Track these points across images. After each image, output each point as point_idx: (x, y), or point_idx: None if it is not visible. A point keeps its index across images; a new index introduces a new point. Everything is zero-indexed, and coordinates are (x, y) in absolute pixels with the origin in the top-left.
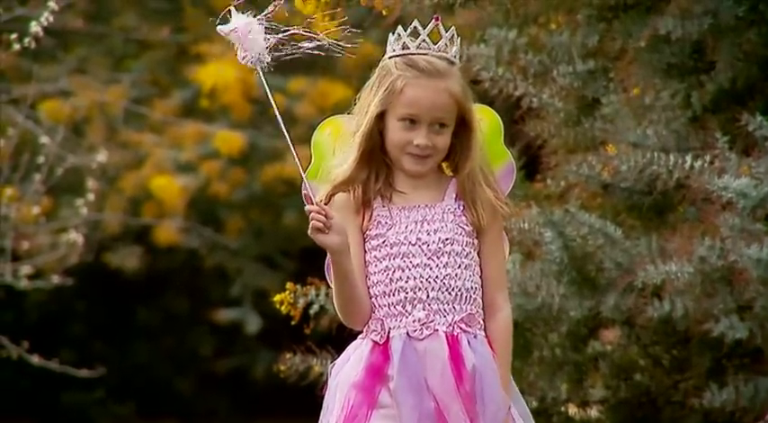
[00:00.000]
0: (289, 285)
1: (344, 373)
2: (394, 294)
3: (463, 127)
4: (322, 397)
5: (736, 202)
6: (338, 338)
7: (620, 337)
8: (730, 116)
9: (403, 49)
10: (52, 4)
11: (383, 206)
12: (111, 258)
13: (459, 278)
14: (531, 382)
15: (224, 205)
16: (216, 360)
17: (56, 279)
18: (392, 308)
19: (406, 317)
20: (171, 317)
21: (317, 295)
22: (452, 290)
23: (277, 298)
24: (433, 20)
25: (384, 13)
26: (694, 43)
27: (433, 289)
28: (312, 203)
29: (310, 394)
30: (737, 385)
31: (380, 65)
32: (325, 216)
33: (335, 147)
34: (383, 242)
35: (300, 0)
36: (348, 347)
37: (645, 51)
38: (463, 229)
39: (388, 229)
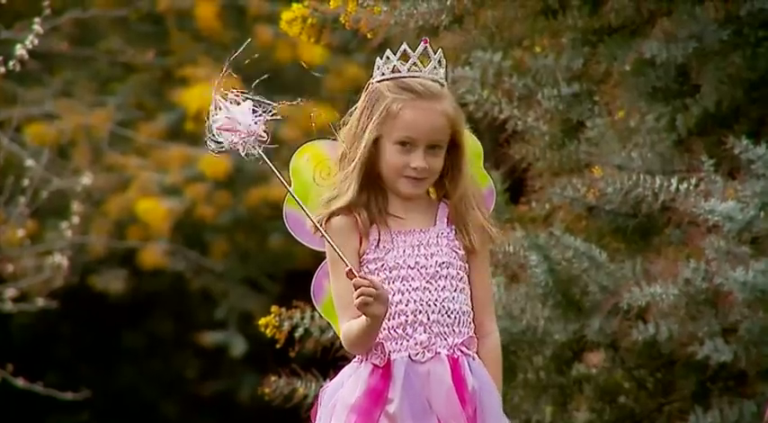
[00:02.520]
0: (274, 308)
1: (341, 396)
2: (394, 317)
3: (454, 149)
4: (307, 419)
5: (722, 224)
6: (323, 361)
7: (604, 360)
8: (715, 139)
9: (393, 72)
10: (37, 28)
11: (381, 230)
12: (97, 281)
13: (456, 301)
14: (515, 405)
15: (209, 228)
16: (201, 383)
17: (41, 302)
18: (392, 331)
19: (407, 340)
20: (156, 340)
21: (302, 318)
22: (451, 313)
23: (262, 321)
24: (422, 42)
25: (369, 36)
26: (679, 67)
27: (432, 312)
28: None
29: (295, 417)
30: (722, 408)
31: (369, 89)
32: (374, 287)
33: (315, 172)
34: (382, 266)
35: (285, 23)
36: (342, 371)
37: (630, 75)
38: (456, 252)
39: (386, 253)
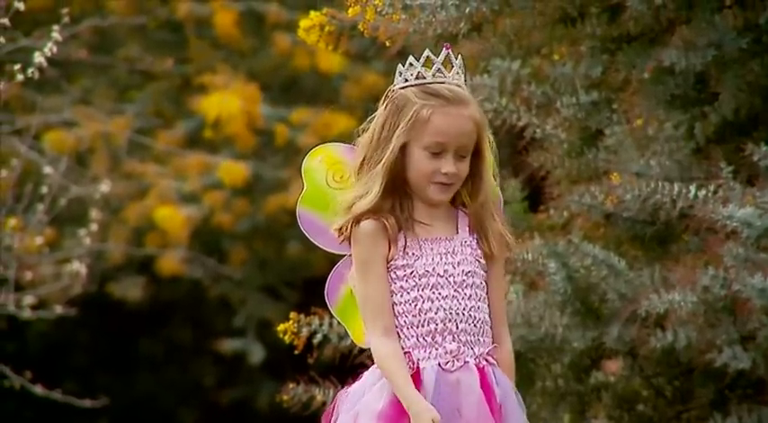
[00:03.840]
0: (292, 315)
1: (365, 404)
2: (423, 325)
3: (477, 155)
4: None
5: (741, 231)
6: (341, 368)
7: (622, 367)
8: (734, 147)
9: (417, 78)
10: (56, 35)
11: (407, 237)
12: (115, 289)
13: (481, 310)
14: (533, 413)
15: (228, 236)
16: (219, 390)
17: (59, 309)
18: (421, 339)
19: (437, 348)
20: (174, 347)
21: (321, 325)
22: (477, 322)
23: (281, 327)
24: (445, 48)
25: (387, 43)
26: (698, 75)
27: (461, 321)
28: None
29: None
30: (741, 416)
31: (393, 95)
32: None
33: (329, 175)
34: (411, 273)
35: (303, 31)
36: (364, 378)
37: (648, 83)
38: (479, 261)
39: (415, 260)
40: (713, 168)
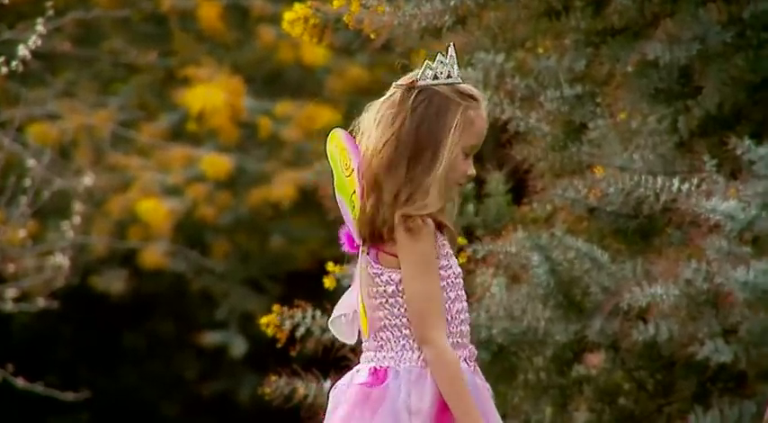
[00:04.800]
0: (275, 308)
1: (409, 403)
2: (458, 326)
3: None
4: (307, 419)
5: (724, 224)
6: (323, 361)
7: (604, 360)
8: (717, 141)
9: (448, 76)
10: (40, 28)
11: (440, 237)
12: (97, 282)
13: None
14: (515, 406)
15: (210, 229)
16: (201, 383)
17: (41, 302)
18: (457, 339)
19: (464, 349)
20: (157, 340)
21: (304, 318)
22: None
23: (263, 320)
24: (452, 46)
25: (372, 36)
26: (682, 68)
27: (469, 322)
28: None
29: (295, 417)
30: (722, 409)
31: (427, 92)
32: None
33: (341, 162)
34: (450, 273)
35: (288, 24)
36: (397, 374)
37: (632, 76)
38: None
39: (449, 259)
40: (696, 162)
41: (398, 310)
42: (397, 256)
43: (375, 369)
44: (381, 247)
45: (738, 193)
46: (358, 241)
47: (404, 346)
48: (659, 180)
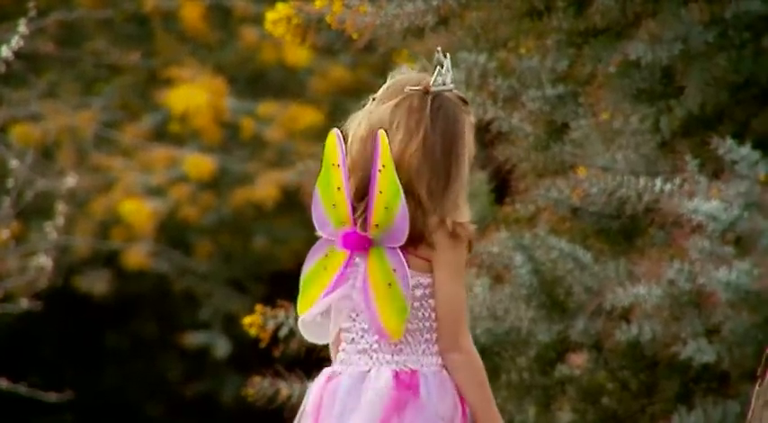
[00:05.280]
0: (258, 308)
1: (439, 408)
2: None
3: None
4: (289, 419)
5: (706, 224)
6: (307, 362)
7: (588, 361)
8: (699, 140)
9: (448, 83)
10: (23, 29)
11: None
12: (81, 282)
13: None
14: (498, 406)
15: (194, 229)
16: (185, 384)
17: (25, 303)
18: None
19: None
20: (140, 341)
21: (287, 318)
22: None
23: (247, 320)
24: (438, 52)
25: (354, 37)
26: (664, 68)
27: None
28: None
29: (279, 418)
30: (705, 409)
31: (441, 97)
32: None
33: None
34: None
35: (271, 24)
36: (424, 379)
37: (614, 76)
38: None
39: None
40: (679, 162)
41: (423, 313)
42: (429, 261)
43: (397, 372)
44: (413, 251)
45: (721, 193)
46: (335, 238)
47: (424, 350)
48: (642, 180)
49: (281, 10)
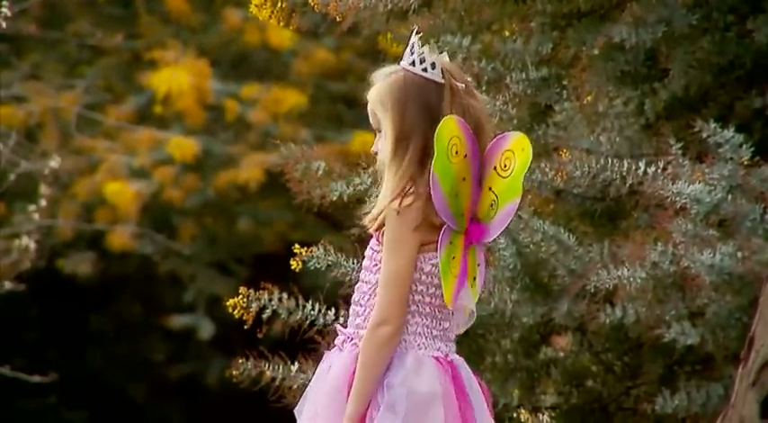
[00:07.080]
0: (242, 290)
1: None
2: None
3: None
4: (276, 401)
5: (690, 207)
6: (290, 344)
7: (572, 343)
8: (684, 123)
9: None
10: (5, 10)
11: None
12: (64, 264)
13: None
14: None
15: (177, 211)
16: (169, 366)
17: (8, 285)
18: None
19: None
20: (124, 323)
21: (270, 300)
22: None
23: (230, 302)
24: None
25: (338, 19)
26: (648, 51)
27: None
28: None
29: (263, 400)
30: (689, 391)
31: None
32: None
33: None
34: None
35: (255, 7)
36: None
37: (598, 59)
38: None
39: None
40: (663, 145)
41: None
42: None
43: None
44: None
45: (705, 176)
46: (458, 227)
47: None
48: (625, 163)
49: None
